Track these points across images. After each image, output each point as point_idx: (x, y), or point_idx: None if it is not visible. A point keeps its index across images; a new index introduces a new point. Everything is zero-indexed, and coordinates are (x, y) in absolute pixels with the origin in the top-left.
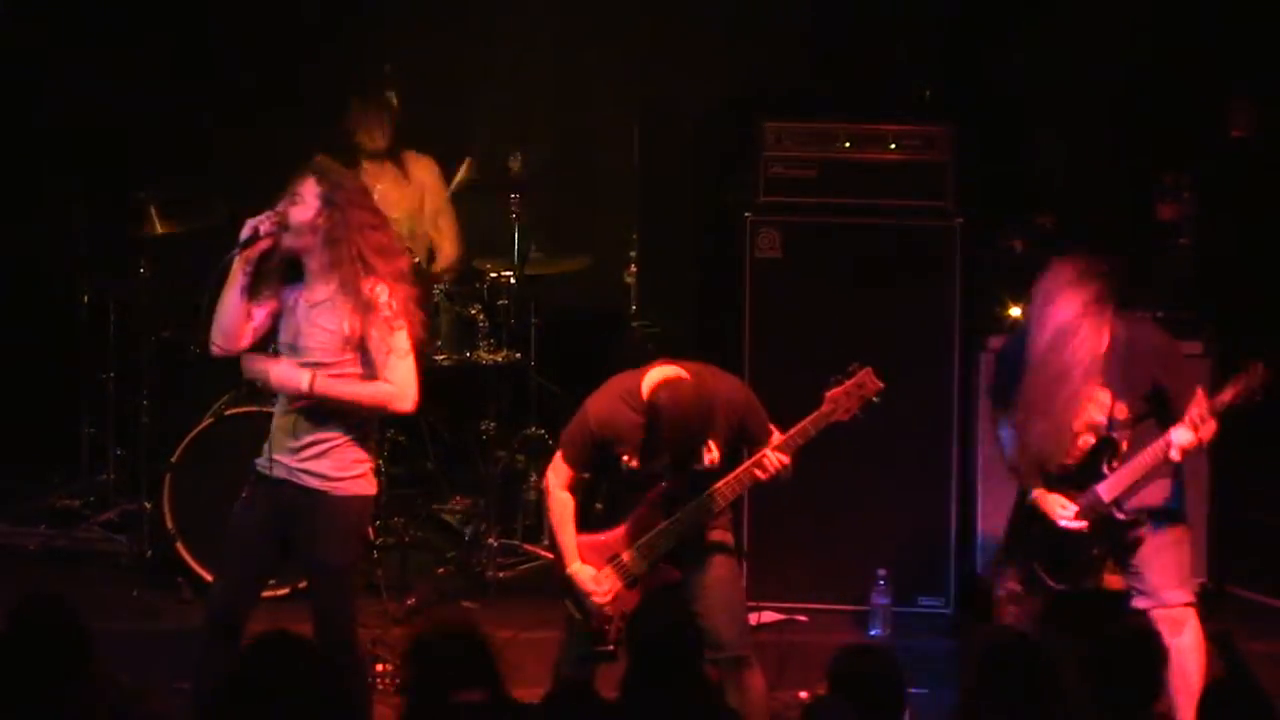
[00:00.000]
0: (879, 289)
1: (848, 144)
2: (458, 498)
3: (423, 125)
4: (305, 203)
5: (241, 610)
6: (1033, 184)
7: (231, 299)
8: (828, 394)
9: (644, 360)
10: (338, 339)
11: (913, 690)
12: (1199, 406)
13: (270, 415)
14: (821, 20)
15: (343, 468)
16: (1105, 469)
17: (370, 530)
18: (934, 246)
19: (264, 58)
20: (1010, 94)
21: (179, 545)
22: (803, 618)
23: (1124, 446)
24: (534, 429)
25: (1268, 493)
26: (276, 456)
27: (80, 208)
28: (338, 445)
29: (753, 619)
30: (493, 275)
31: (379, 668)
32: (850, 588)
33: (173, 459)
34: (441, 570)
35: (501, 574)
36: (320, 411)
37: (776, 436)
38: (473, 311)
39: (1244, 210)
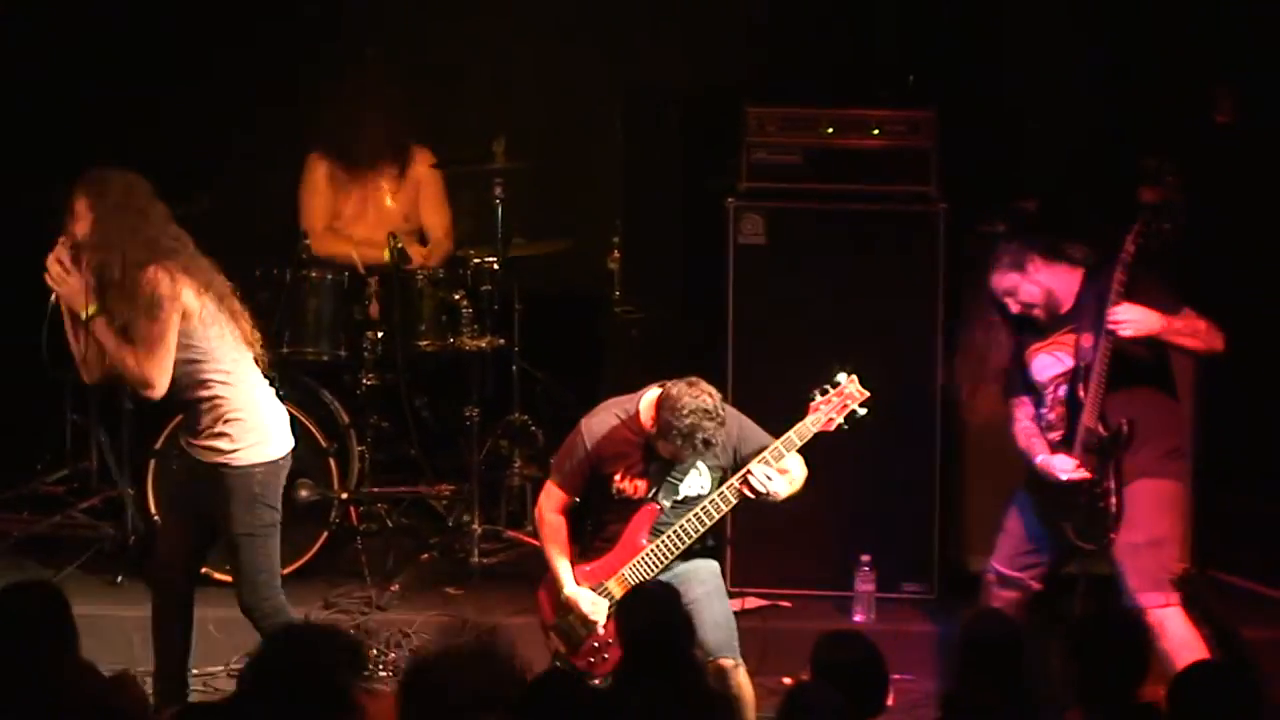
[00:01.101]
0: (863, 274)
1: (831, 130)
2: (441, 484)
3: (406, 110)
4: (82, 217)
5: (187, 580)
6: (1016, 168)
7: (71, 335)
8: (811, 405)
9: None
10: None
11: (896, 676)
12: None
13: None
14: (805, 5)
15: (236, 439)
16: (1081, 395)
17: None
18: (917, 232)
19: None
20: (993, 78)
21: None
22: (786, 604)
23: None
24: (518, 415)
25: (1252, 477)
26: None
27: (59, 192)
28: (224, 422)
29: (736, 605)
30: (476, 261)
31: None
32: (833, 573)
33: (156, 445)
34: (425, 556)
35: (485, 560)
36: (192, 400)
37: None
38: (456, 297)
39: (1227, 195)
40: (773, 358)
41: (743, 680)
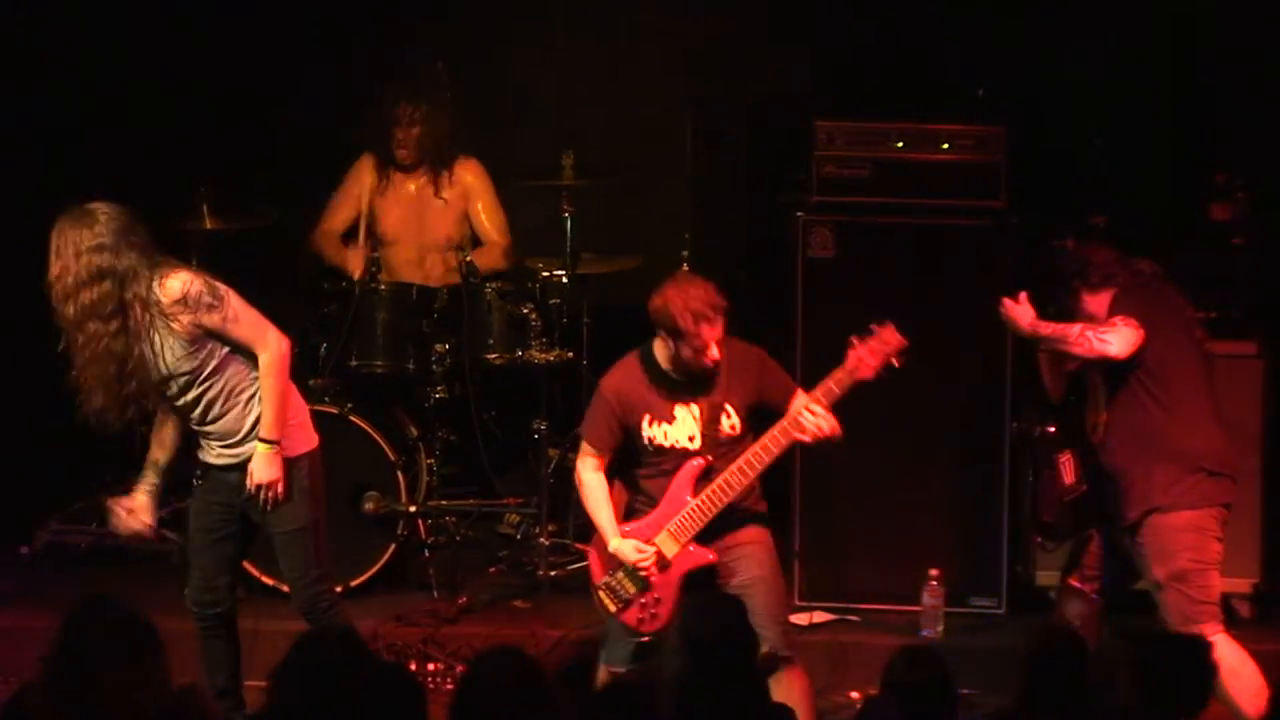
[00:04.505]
0: (931, 288)
1: (900, 144)
2: (509, 497)
3: (473, 125)
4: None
5: (225, 597)
6: (1086, 184)
7: None
8: (850, 351)
9: None
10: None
11: (964, 691)
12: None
13: (322, 413)
14: (875, 19)
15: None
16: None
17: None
18: (986, 246)
19: (313, 60)
20: (1062, 92)
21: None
22: (854, 618)
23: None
24: None
25: None
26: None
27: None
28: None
29: (804, 619)
30: (545, 274)
31: (430, 666)
32: (902, 588)
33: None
34: (493, 569)
35: (553, 573)
36: (230, 408)
37: (803, 396)
38: (525, 310)
39: None
40: None
41: (799, 680)
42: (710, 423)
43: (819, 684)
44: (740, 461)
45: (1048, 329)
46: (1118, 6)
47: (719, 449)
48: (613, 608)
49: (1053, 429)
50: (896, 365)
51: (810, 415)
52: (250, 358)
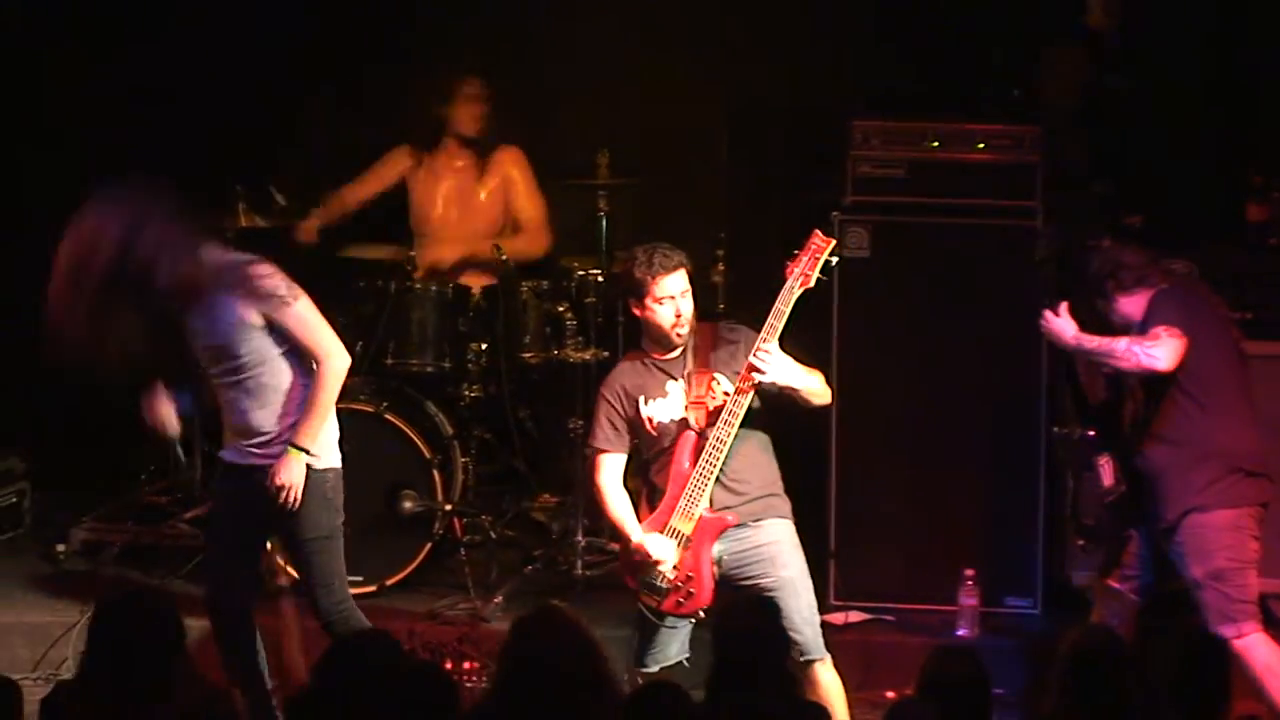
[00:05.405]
0: (967, 287)
1: (936, 143)
2: (545, 495)
3: (508, 123)
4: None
5: (244, 599)
6: (1121, 184)
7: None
8: (786, 270)
9: None
10: (234, 339)
11: (999, 691)
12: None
13: (357, 411)
14: (910, 19)
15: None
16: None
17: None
18: (1022, 246)
19: (341, 55)
20: (1099, 92)
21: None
22: (889, 618)
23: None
24: None
25: None
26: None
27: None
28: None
29: (839, 619)
30: (580, 273)
31: (465, 665)
32: (937, 588)
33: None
34: (529, 568)
35: (589, 572)
36: (255, 411)
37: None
38: (560, 309)
39: None
40: (877, 370)
41: (831, 678)
42: (703, 393)
43: (854, 684)
44: (721, 418)
45: (1092, 343)
46: (1155, 7)
47: (715, 419)
48: (653, 602)
49: (1092, 433)
50: (834, 263)
51: (763, 353)
52: (302, 364)
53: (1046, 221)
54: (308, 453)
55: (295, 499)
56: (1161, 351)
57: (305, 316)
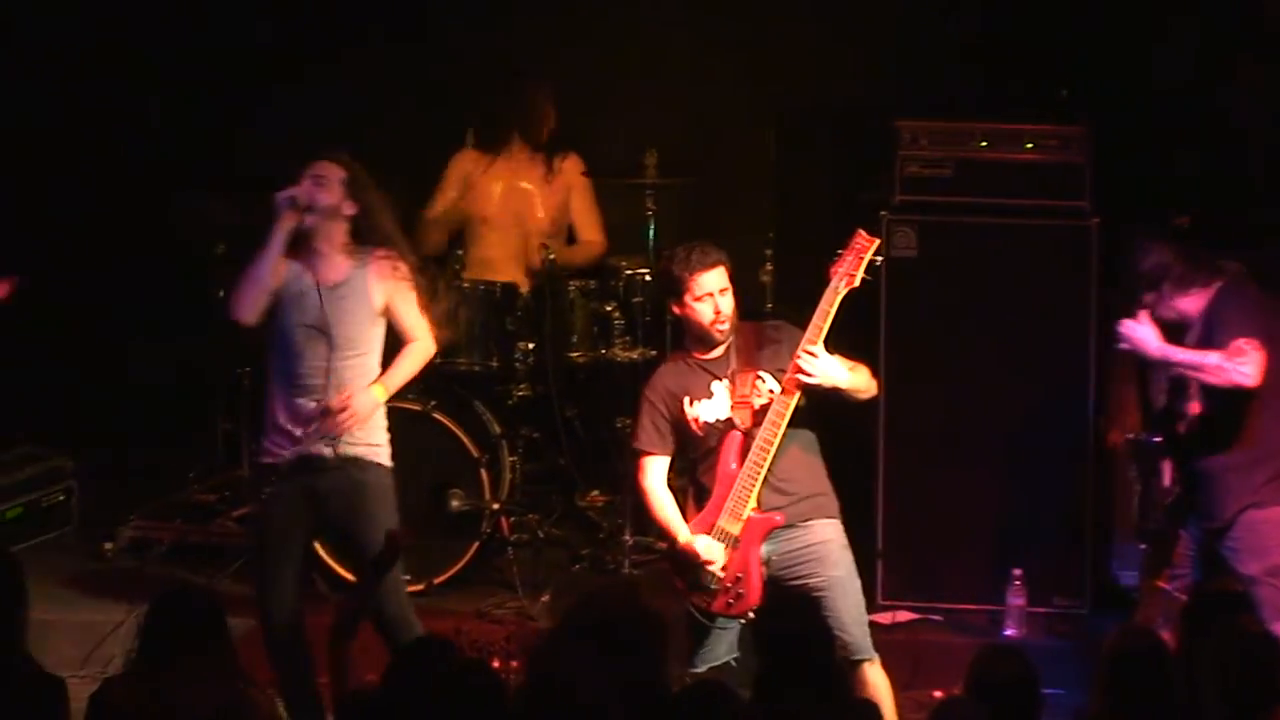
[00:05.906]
0: (1014, 288)
1: (984, 143)
2: (593, 494)
3: (558, 122)
4: (330, 186)
5: (295, 605)
6: (1169, 185)
7: (268, 266)
8: (830, 270)
9: None
10: (366, 317)
11: (1047, 691)
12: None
13: (405, 410)
14: (958, 19)
15: (384, 438)
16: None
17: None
18: (1070, 246)
19: (393, 56)
20: (1148, 95)
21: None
22: (937, 617)
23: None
24: None
25: None
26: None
27: (219, 203)
28: (380, 418)
29: (887, 618)
30: (628, 272)
31: (513, 664)
32: (985, 587)
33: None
34: (576, 567)
35: (636, 571)
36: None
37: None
38: (608, 308)
39: None
40: (924, 369)
41: (879, 678)
42: (748, 392)
43: (901, 683)
44: (767, 419)
45: (1180, 356)
46: (1201, 7)
47: (761, 418)
48: (703, 603)
49: (1159, 439)
50: (879, 262)
51: (809, 356)
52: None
53: (1144, 234)
54: (384, 402)
55: (353, 421)
56: (1250, 368)
57: (418, 300)
